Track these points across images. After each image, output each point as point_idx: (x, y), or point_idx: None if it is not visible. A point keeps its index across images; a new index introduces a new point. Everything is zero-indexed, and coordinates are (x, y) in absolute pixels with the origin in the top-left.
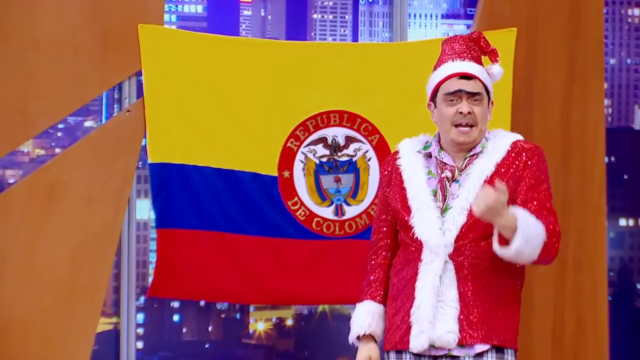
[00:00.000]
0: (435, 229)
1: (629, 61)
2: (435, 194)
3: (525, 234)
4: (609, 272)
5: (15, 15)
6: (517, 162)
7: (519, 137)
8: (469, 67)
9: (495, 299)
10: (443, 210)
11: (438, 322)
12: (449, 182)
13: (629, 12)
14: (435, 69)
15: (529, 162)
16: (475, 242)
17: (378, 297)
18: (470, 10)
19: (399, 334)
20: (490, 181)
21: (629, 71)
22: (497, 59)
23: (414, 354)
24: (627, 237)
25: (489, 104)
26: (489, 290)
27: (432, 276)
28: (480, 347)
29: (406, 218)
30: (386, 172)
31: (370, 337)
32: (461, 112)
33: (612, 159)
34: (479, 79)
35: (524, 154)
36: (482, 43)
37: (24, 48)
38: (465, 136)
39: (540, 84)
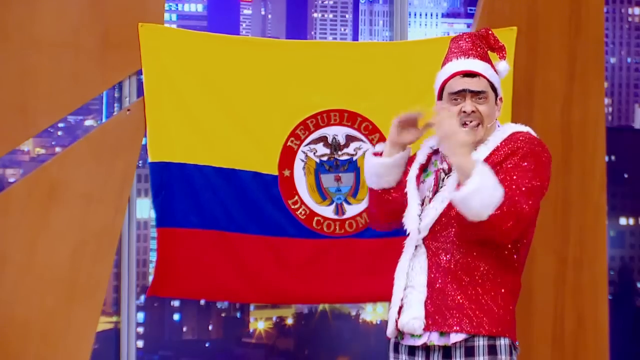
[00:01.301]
0: (414, 214)
1: (629, 60)
2: (430, 186)
3: (479, 183)
4: (609, 271)
5: (15, 14)
6: (505, 150)
7: (522, 129)
8: (472, 64)
9: (477, 287)
10: (432, 200)
11: (406, 308)
12: (445, 174)
13: (629, 11)
14: (442, 66)
15: (518, 150)
16: (453, 231)
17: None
18: (471, 9)
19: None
20: None
21: (629, 70)
22: (505, 55)
23: (409, 347)
24: (627, 236)
25: (496, 100)
26: (464, 278)
27: (404, 261)
28: (454, 337)
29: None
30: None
31: None
32: (465, 111)
33: (613, 157)
34: (483, 76)
35: (515, 143)
36: (490, 40)
37: (24, 47)
38: (470, 135)
39: (540, 83)
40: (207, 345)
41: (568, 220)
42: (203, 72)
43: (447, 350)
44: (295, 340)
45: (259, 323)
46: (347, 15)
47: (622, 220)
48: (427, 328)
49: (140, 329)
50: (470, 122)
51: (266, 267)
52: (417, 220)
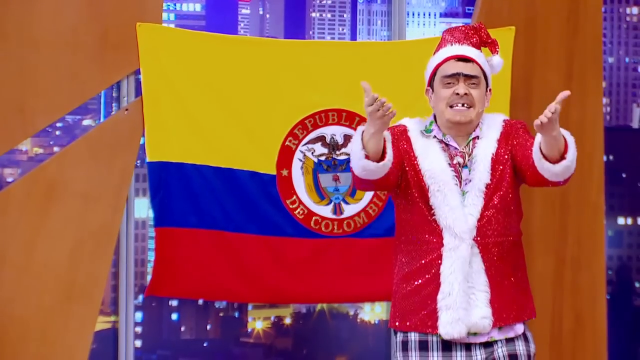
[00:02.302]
0: (459, 214)
1: (627, 60)
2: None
3: (573, 143)
4: (607, 271)
5: (14, 14)
6: (510, 137)
7: (504, 116)
8: (467, 50)
9: (518, 277)
10: (465, 196)
11: (471, 309)
12: (460, 167)
13: (627, 10)
14: (434, 54)
15: (516, 136)
16: (495, 221)
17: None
18: (469, 9)
19: (418, 315)
20: (496, 159)
21: (628, 70)
22: (498, 50)
23: (442, 341)
24: (625, 236)
25: (486, 90)
26: (512, 266)
27: (461, 262)
28: (518, 328)
29: (423, 195)
30: (395, 135)
31: None
32: (457, 94)
33: (611, 157)
34: (476, 62)
35: (511, 129)
36: (482, 33)
37: (23, 46)
38: (460, 115)
39: (538, 83)
40: (205, 344)
41: (566, 220)
42: (201, 72)
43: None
44: (294, 339)
45: (257, 323)
46: (345, 15)
47: (620, 220)
48: (494, 324)
49: (138, 329)
50: (462, 104)
51: (264, 266)
52: (465, 220)
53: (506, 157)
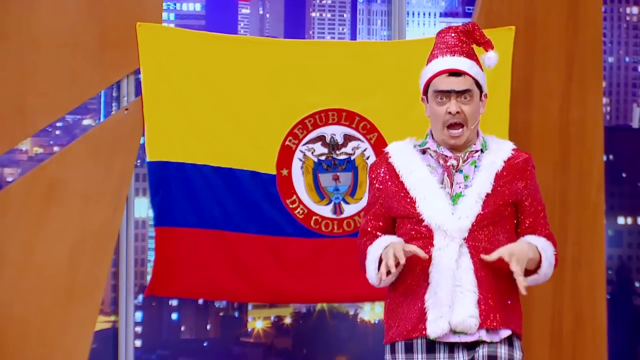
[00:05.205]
0: (447, 213)
1: (627, 59)
2: (442, 182)
3: (548, 258)
4: (607, 270)
5: (13, 13)
6: (522, 170)
7: (512, 145)
8: (458, 62)
9: (507, 286)
10: (452, 198)
11: (457, 307)
12: (454, 169)
13: (627, 10)
14: (427, 62)
15: (529, 178)
16: (489, 230)
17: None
18: (469, 9)
19: (410, 323)
20: (499, 176)
21: (627, 69)
22: (492, 47)
23: (427, 343)
24: (625, 236)
25: (481, 97)
26: (502, 276)
27: (448, 260)
28: (503, 333)
29: (410, 208)
30: (380, 172)
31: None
32: (450, 112)
33: (611, 157)
34: (468, 74)
35: (524, 163)
36: (476, 34)
37: (23, 46)
38: (456, 139)
39: (538, 83)
40: (205, 344)
41: (566, 219)
42: (201, 72)
43: (471, 343)
44: (294, 339)
45: (257, 322)
46: (345, 15)
47: (620, 220)
48: (480, 325)
49: (138, 329)
50: (455, 122)
51: (264, 266)
52: (456, 219)
53: (510, 190)
